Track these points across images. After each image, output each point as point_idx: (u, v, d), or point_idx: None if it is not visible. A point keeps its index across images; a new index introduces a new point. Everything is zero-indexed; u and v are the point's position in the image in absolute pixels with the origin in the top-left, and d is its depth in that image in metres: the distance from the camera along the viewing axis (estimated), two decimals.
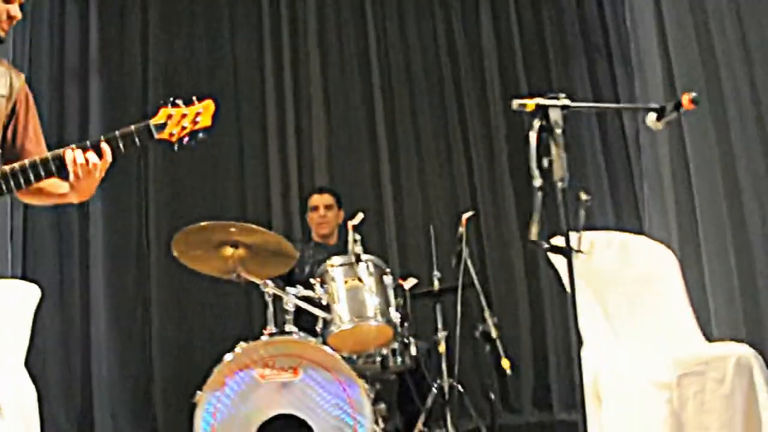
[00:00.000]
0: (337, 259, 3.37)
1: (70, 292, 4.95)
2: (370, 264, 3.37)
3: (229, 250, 3.27)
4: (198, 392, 2.95)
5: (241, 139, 5.34)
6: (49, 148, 4.79)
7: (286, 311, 3.22)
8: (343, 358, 3.24)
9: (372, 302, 3.28)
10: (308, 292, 3.30)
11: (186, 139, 2.14)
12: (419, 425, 3.65)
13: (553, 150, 2.20)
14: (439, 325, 3.83)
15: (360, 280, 3.29)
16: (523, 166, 5.08)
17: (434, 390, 3.68)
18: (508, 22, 5.53)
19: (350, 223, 3.39)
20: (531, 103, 2.24)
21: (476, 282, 3.63)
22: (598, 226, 4.58)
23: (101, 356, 4.89)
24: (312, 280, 3.34)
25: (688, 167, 4.19)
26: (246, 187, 5.32)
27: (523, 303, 5.13)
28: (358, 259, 3.31)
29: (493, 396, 3.75)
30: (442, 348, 3.79)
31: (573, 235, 2.52)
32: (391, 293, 3.38)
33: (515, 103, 2.25)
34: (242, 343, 3.04)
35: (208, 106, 2.16)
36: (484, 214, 5.23)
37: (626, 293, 3.08)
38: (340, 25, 5.52)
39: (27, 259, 4.84)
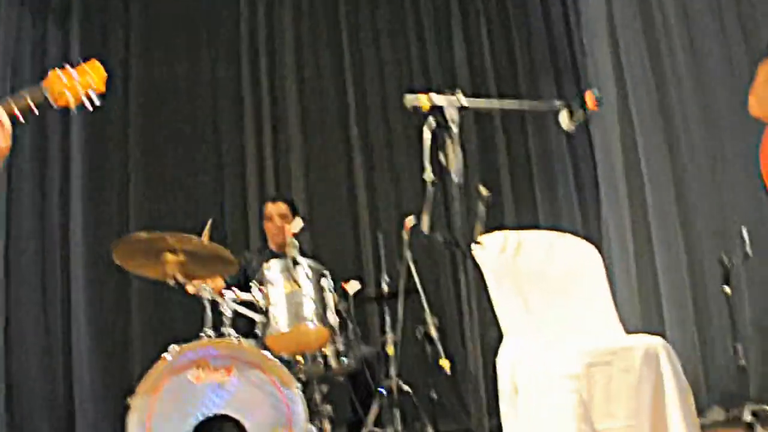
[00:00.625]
0: (275, 264, 3.47)
1: (51, 305, 5.09)
2: (307, 268, 3.46)
3: (169, 257, 3.38)
4: (130, 396, 3.05)
5: (220, 157, 5.52)
6: (30, 179, 5.07)
7: (224, 315, 3.32)
8: (284, 360, 3.36)
9: (309, 305, 3.37)
10: (247, 296, 3.40)
11: (86, 102, 2.23)
12: (369, 425, 3.73)
13: (449, 146, 2.29)
14: (388, 328, 3.92)
15: (297, 284, 3.38)
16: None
17: (381, 391, 3.76)
18: (480, 42, 5.65)
19: (288, 229, 3.50)
20: (425, 104, 2.32)
21: (418, 285, 3.72)
22: (565, 228, 4.72)
23: (83, 369, 5.03)
24: (252, 284, 3.45)
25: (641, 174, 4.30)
26: (225, 202, 5.47)
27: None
28: (296, 264, 3.41)
29: (436, 396, 3.82)
30: (390, 350, 3.88)
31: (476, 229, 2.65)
32: (329, 296, 3.46)
33: (408, 98, 2.32)
34: (174, 346, 3.15)
35: (96, 67, 2.27)
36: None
37: (551, 289, 3.15)
38: (316, 47, 5.70)
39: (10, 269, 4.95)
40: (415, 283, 3.74)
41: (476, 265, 3.26)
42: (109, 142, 5.49)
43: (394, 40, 5.69)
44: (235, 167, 5.48)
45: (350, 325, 3.61)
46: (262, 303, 3.39)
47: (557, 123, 2.60)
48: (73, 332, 5.07)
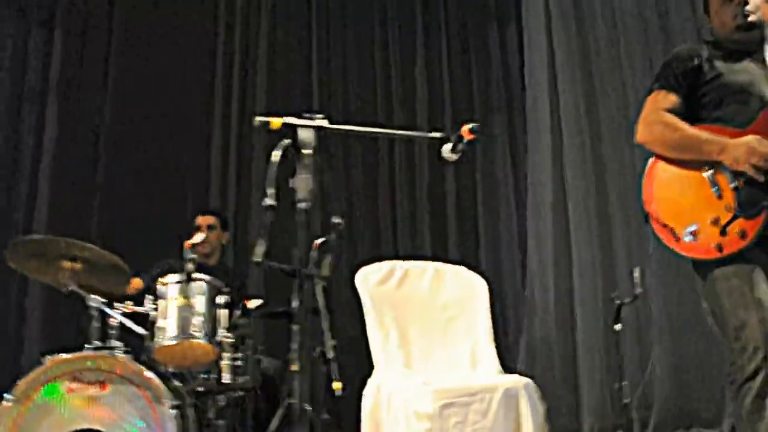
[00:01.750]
0: (171, 277, 3.43)
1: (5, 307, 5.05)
2: (203, 283, 3.42)
3: (66, 264, 3.37)
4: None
5: (185, 157, 5.49)
6: (3, 167, 5.07)
7: (111, 326, 3.29)
8: (173, 373, 3.33)
9: (198, 321, 3.33)
10: (139, 309, 3.38)
11: None
12: None
13: (299, 171, 2.22)
14: (294, 345, 3.84)
15: (187, 298, 3.34)
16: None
17: (282, 408, 3.70)
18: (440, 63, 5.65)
19: (187, 243, 3.46)
20: (277, 122, 2.25)
21: (321, 304, 3.64)
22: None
23: None
24: (147, 296, 3.42)
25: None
26: (187, 203, 5.44)
27: None
28: (190, 278, 3.37)
29: (327, 416, 3.74)
30: (294, 366, 3.81)
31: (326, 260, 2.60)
32: (222, 313, 3.42)
33: (257, 119, 2.25)
34: (48, 357, 3.12)
35: None
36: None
37: (434, 321, 3.08)
38: (288, 55, 5.69)
39: None
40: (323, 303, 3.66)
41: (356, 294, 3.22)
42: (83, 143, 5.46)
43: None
44: (200, 167, 5.45)
45: (248, 342, 3.55)
46: (152, 315, 3.35)
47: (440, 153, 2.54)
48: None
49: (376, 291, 3.01)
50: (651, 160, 2.60)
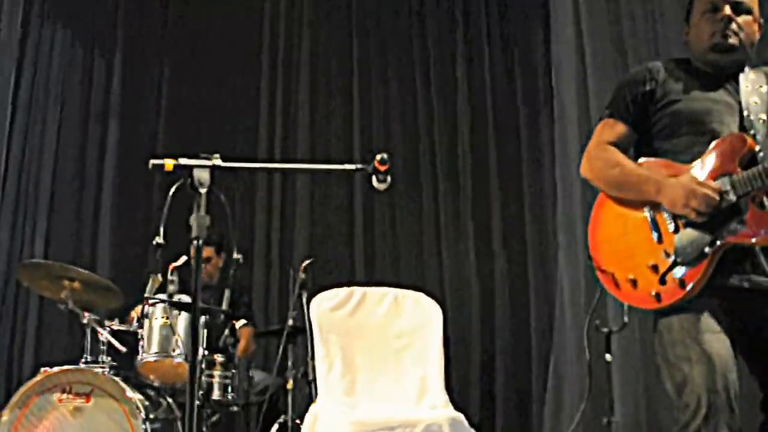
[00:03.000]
0: (158, 297, 3.70)
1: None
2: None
3: (66, 283, 3.71)
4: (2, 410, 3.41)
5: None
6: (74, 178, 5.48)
7: (101, 342, 3.61)
8: (167, 388, 3.63)
9: (177, 339, 3.60)
10: (124, 326, 3.68)
11: None
12: None
13: (195, 209, 2.35)
14: (290, 364, 4.05)
15: (167, 318, 3.61)
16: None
17: (277, 425, 3.91)
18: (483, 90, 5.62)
19: (172, 265, 3.71)
20: (170, 163, 2.38)
21: (308, 325, 3.82)
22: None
23: None
24: (133, 313, 3.72)
25: None
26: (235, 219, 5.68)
27: None
28: (171, 301, 3.63)
29: None
30: (289, 384, 4.01)
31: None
32: (204, 332, 3.68)
33: (150, 163, 2.37)
34: (46, 369, 3.46)
35: None
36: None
37: (386, 347, 3.15)
38: (329, 81, 5.83)
39: None
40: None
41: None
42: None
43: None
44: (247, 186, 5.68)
45: (237, 360, 3.79)
46: (139, 333, 3.64)
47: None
48: None
49: (326, 317, 3.13)
50: (599, 196, 2.35)
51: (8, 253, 5.19)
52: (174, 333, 3.61)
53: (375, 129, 5.70)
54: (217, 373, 3.83)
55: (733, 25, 2.21)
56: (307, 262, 3.96)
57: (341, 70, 5.82)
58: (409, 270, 5.36)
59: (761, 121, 2.14)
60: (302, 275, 3.93)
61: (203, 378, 3.77)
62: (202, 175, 2.21)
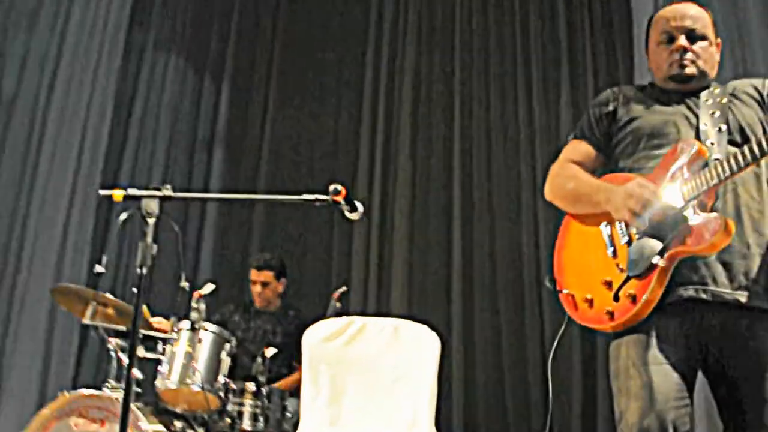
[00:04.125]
0: (184, 324, 3.65)
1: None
2: (209, 333, 3.61)
3: (98, 308, 3.74)
4: None
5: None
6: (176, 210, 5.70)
7: (123, 367, 3.59)
8: (196, 416, 3.59)
9: (198, 369, 3.51)
10: (147, 354, 3.65)
11: None
12: None
13: (142, 237, 2.33)
14: None
15: (191, 346, 3.54)
16: None
17: None
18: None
19: (197, 293, 3.65)
20: (119, 194, 2.39)
21: None
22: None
23: None
24: (159, 341, 3.69)
25: None
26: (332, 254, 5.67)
27: None
28: (194, 328, 3.57)
29: None
30: None
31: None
32: (225, 362, 3.58)
33: (101, 192, 2.42)
34: (65, 392, 3.48)
35: None
36: None
37: (380, 379, 2.96)
38: (429, 116, 5.71)
39: None
40: None
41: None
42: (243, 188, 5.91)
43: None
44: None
45: (264, 390, 3.67)
46: (163, 358, 3.60)
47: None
48: None
49: (317, 347, 2.96)
50: (564, 219, 2.29)
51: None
52: (194, 362, 3.52)
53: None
54: (247, 401, 3.70)
55: (689, 55, 2.17)
56: (341, 290, 3.84)
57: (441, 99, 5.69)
58: None
59: (719, 129, 2.07)
60: (337, 304, 3.81)
61: (231, 406, 3.66)
62: (151, 205, 2.25)
